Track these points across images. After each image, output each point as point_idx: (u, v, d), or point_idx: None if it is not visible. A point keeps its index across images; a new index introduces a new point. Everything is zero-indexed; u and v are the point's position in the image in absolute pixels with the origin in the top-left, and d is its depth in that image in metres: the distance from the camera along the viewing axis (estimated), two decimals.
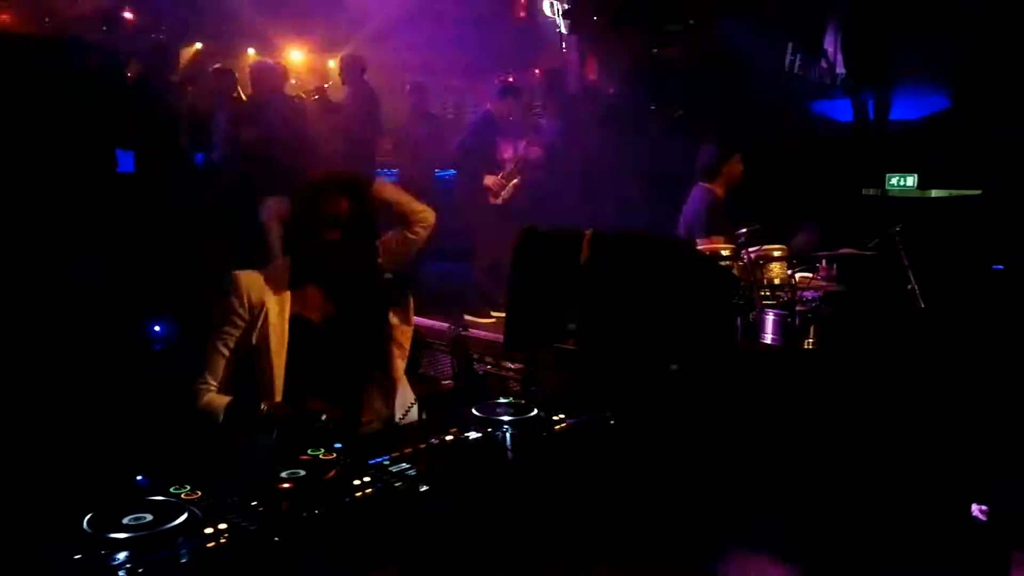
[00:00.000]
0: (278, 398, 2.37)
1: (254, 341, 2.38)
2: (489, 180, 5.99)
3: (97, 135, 5.06)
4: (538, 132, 6.69)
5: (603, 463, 2.13)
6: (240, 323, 2.39)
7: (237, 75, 6.89)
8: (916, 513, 2.96)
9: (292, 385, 2.38)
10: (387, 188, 2.76)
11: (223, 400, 2.35)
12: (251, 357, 2.39)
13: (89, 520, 1.48)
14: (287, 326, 2.41)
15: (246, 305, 2.39)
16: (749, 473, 2.76)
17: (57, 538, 1.44)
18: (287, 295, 2.44)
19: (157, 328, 4.46)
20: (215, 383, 2.38)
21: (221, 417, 2.31)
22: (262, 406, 2.31)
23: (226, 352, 2.40)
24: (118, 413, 2.92)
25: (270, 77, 6.06)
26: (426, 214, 2.73)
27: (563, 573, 1.73)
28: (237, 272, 2.43)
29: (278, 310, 2.41)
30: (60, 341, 3.71)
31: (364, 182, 2.56)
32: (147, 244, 4.81)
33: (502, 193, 6.02)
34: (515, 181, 6.06)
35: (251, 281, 2.42)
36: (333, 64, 9.02)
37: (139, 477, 2.40)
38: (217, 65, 6.98)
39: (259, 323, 2.38)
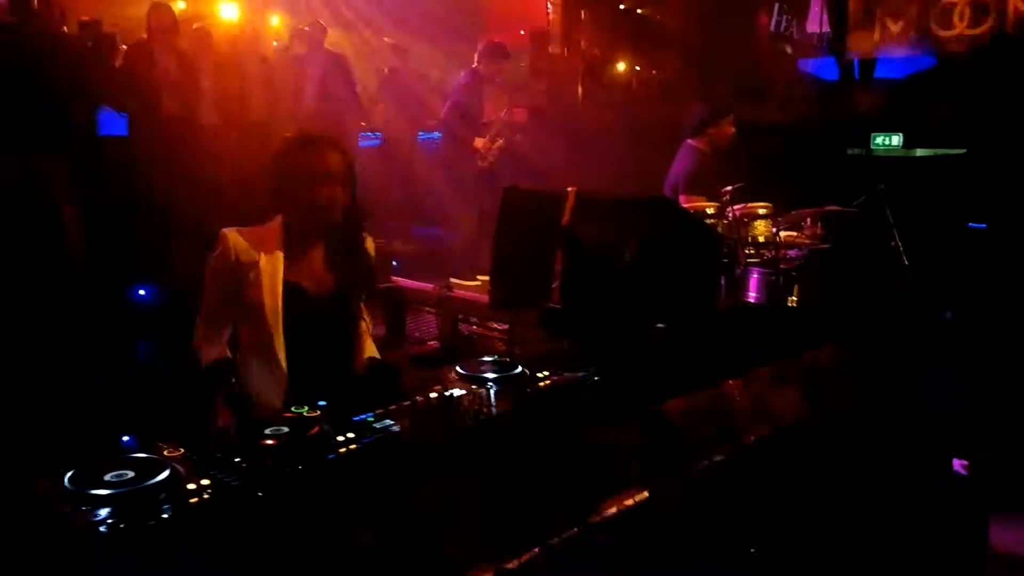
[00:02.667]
0: (282, 364, 2.33)
1: (249, 299, 2.34)
2: (478, 142, 5.95)
3: (76, 99, 4.98)
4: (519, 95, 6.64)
5: (587, 420, 2.14)
6: (228, 280, 2.34)
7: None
8: (897, 468, 3.00)
9: (291, 355, 2.35)
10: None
11: (212, 353, 2.34)
12: (248, 323, 2.36)
13: (71, 477, 1.48)
14: (281, 289, 2.36)
15: (232, 263, 2.34)
16: (731, 429, 2.78)
17: (39, 495, 1.44)
18: (279, 256, 2.38)
19: (142, 292, 4.44)
20: (213, 343, 2.36)
21: (203, 372, 2.32)
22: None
23: (217, 312, 2.37)
24: (102, 374, 2.91)
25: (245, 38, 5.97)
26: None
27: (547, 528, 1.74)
28: (224, 230, 2.38)
29: (271, 270, 2.35)
30: (45, 304, 3.68)
31: (345, 140, 2.53)
32: (134, 206, 4.77)
33: (488, 156, 5.99)
34: (499, 143, 6.02)
35: (238, 239, 2.36)
36: (277, 22, 8.75)
37: (125, 437, 2.41)
38: (197, 25, 6.84)
39: (250, 284, 2.33)
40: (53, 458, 1.56)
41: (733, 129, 4.70)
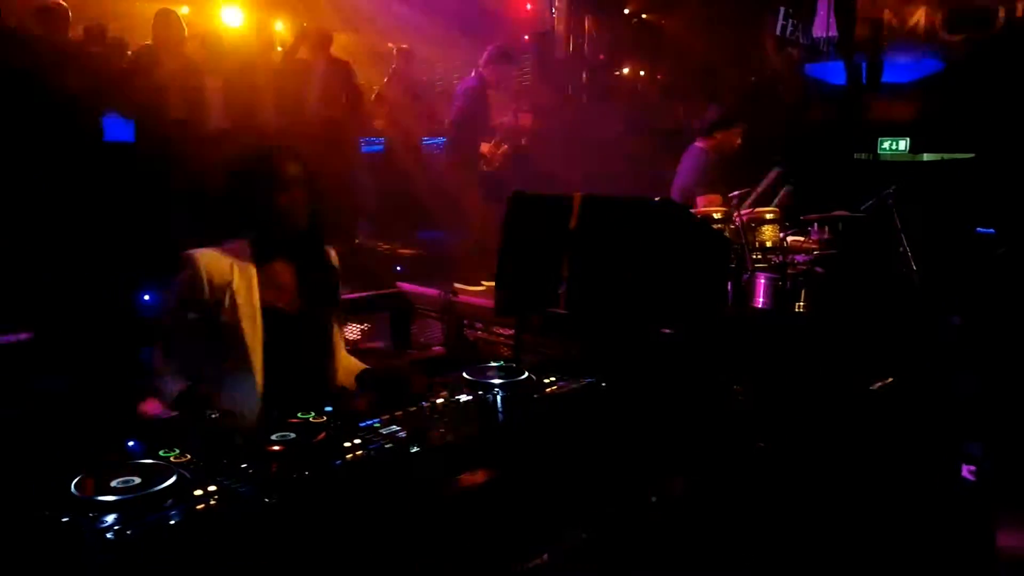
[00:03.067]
0: (258, 387, 2.26)
1: (224, 321, 2.24)
2: (484, 147, 5.95)
3: (83, 105, 4.99)
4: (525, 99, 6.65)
5: (593, 426, 2.13)
6: (199, 306, 2.24)
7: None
8: (905, 473, 2.98)
9: (268, 376, 2.27)
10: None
11: (176, 387, 2.22)
12: (222, 345, 2.25)
13: (77, 483, 1.47)
14: (259, 309, 2.28)
15: (205, 286, 2.24)
16: (739, 435, 2.76)
17: (45, 502, 1.43)
18: (253, 275, 2.30)
19: (147, 297, 4.43)
20: (171, 368, 2.25)
21: (172, 405, 2.20)
22: (212, 415, 2.11)
23: (185, 339, 2.25)
24: (108, 380, 2.90)
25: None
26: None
27: (551, 535, 1.73)
28: (191, 252, 2.27)
29: (246, 289, 2.27)
30: (52, 309, 3.69)
31: (301, 150, 2.45)
32: (139, 213, 4.77)
33: (494, 161, 5.99)
34: (504, 148, 6.02)
35: (210, 260, 2.26)
36: (281, 28, 8.75)
37: (130, 443, 2.39)
38: (204, 31, 6.83)
39: (225, 305, 2.24)
40: (59, 464, 1.56)
41: (739, 140, 4.69)
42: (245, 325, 2.24)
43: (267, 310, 2.29)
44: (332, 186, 5.42)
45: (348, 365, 2.52)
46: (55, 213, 4.36)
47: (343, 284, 2.53)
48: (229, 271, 2.27)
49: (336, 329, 2.50)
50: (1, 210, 4.22)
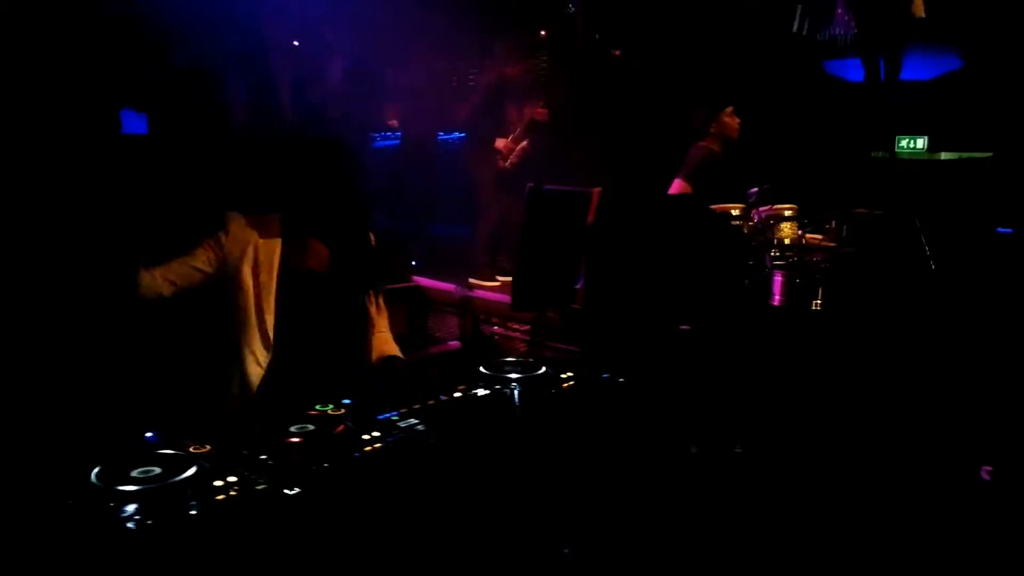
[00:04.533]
0: (264, 348, 2.33)
1: (240, 280, 2.34)
2: (500, 143, 5.93)
3: (101, 96, 5.00)
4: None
5: (611, 421, 2.12)
6: (215, 256, 2.36)
7: None
8: (924, 474, 2.96)
9: (280, 341, 2.34)
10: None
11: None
12: (234, 301, 2.35)
13: (97, 473, 1.48)
14: (277, 271, 2.37)
15: (228, 241, 2.36)
16: (757, 430, 2.75)
17: (66, 492, 1.44)
18: (277, 242, 2.40)
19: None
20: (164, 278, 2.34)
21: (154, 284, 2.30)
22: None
23: (186, 269, 2.35)
24: (127, 370, 2.91)
25: None
26: None
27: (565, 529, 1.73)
28: (233, 212, 2.41)
29: (268, 252, 2.37)
30: (67, 298, 3.70)
31: (354, 148, 2.51)
32: (154, 203, 4.77)
33: (511, 157, 5.97)
34: (523, 144, 6.00)
35: (243, 225, 2.39)
36: None
37: (149, 433, 2.40)
38: None
39: (245, 270, 2.34)
40: (80, 454, 1.56)
41: (736, 119, 4.74)
42: (263, 281, 2.33)
43: (287, 275, 2.37)
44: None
45: (384, 348, 2.54)
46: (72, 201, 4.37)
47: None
48: (253, 235, 2.37)
49: (374, 311, 2.52)
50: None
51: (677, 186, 4.31)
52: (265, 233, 2.40)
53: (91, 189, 4.51)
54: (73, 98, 4.58)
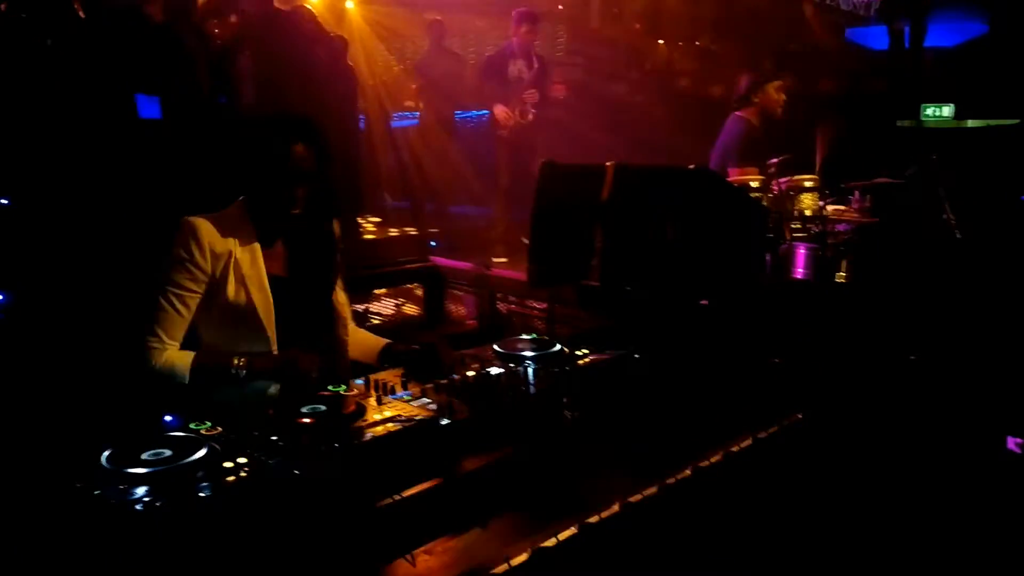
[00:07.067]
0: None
1: (229, 292, 2.15)
2: (499, 111, 5.88)
3: (117, 80, 5.00)
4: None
5: (627, 398, 2.09)
6: (201, 276, 2.13)
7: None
8: (951, 446, 2.91)
9: (283, 345, 2.21)
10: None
11: (186, 357, 2.12)
12: (228, 316, 2.17)
13: (108, 456, 1.48)
14: (265, 279, 2.20)
15: (207, 255, 2.13)
16: (777, 407, 2.71)
17: (77, 474, 1.44)
18: (255, 243, 2.21)
19: None
20: (172, 342, 2.13)
21: (187, 377, 2.09)
22: (235, 360, 2.10)
23: (183, 309, 2.13)
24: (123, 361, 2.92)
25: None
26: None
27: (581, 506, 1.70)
28: (190, 218, 2.15)
29: (249, 260, 2.18)
30: (83, 283, 3.73)
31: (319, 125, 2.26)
32: (172, 188, 4.79)
33: (509, 124, 5.91)
34: (523, 110, 5.94)
35: (210, 228, 2.14)
36: (351, 5, 8.84)
37: (168, 417, 2.40)
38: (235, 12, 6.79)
39: (229, 275, 2.15)
40: (91, 437, 1.56)
41: (782, 96, 4.53)
42: (255, 295, 2.16)
43: (271, 278, 2.22)
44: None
45: (360, 339, 2.45)
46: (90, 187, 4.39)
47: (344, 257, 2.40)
48: (230, 239, 2.17)
49: (340, 302, 2.39)
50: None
51: (737, 173, 4.15)
52: (240, 235, 2.19)
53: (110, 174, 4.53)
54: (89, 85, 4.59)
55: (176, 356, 2.12)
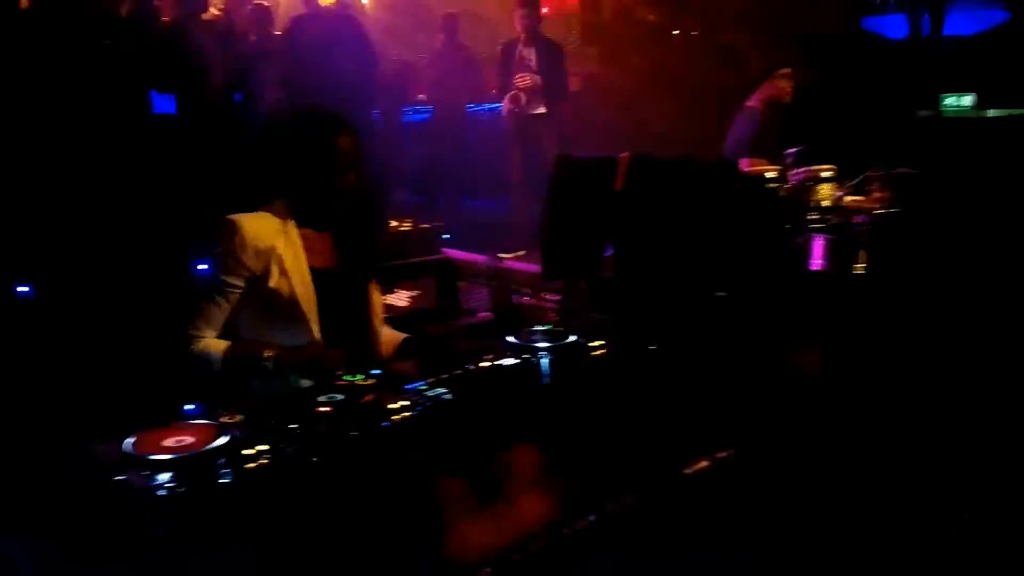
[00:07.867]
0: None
1: (274, 287, 2.18)
2: (504, 101, 5.92)
3: (131, 77, 5.06)
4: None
5: (642, 391, 2.09)
6: (244, 272, 2.17)
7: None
8: (972, 439, 2.89)
9: (327, 340, 2.24)
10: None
11: (221, 345, 2.16)
12: (273, 312, 2.21)
13: (131, 442, 1.50)
14: (308, 272, 2.23)
15: (250, 253, 2.16)
16: (796, 400, 2.70)
17: (99, 460, 1.46)
18: (298, 238, 2.24)
19: (203, 267, 4.50)
20: (211, 331, 2.18)
21: (220, 363, 2.13)
22: (264, 353, 2.12)
23: (224, 303, 2.18)
24: (162, 347, 2.96)
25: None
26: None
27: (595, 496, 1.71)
28: (233, 217, 2.19)
29: (292, 254, 2.22)
30: (106, 277, 3.77)
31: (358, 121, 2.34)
32: (189, 184, 4.84)
33: (511, 105, 5.94)
34: (522, 102, 5.96)
35: (253, 225, 2.19)
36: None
37: (191, 406, 2.43)
38: (257, 1, 6.81)
39: (272, 272, 2.18)
40: (114, 424, 1.59)
41: (790, 83, 4.57)
42: (299, 290, 2.20)
43: (314, 272, 2.26)
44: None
45: (387, 336, 2.48)
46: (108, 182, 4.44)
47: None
48: (273, 236, 2.21)
49: (375, 296, 2.43)
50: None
51: (749, 164, 4.14)
52: (283, 234, 2.23)
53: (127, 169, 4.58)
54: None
55: (212, 344, 2.17)
